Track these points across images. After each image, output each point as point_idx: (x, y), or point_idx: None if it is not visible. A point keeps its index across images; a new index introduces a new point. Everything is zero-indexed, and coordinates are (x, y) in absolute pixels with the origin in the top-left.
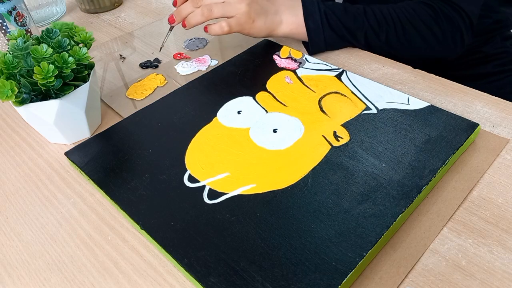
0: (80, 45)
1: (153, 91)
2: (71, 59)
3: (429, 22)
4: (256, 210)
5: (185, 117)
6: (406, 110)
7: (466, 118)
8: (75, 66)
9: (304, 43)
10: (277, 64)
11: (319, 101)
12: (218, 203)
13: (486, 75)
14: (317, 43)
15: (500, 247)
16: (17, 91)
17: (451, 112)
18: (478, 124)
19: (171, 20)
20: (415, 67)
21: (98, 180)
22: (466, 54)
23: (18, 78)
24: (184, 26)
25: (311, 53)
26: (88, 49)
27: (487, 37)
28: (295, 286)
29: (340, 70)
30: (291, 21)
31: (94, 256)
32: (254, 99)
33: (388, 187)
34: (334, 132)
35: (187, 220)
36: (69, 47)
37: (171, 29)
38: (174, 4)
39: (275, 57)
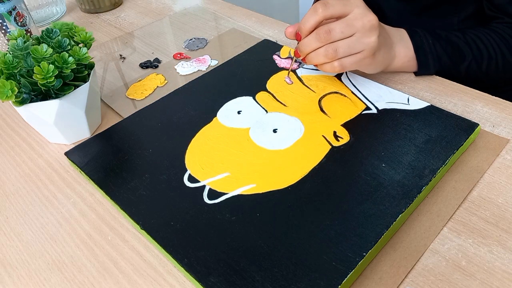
0: (80, 45)
1: (153, 91)
2: (71, 59)
3: None
4: (256, 210)
5: (185, 117)
6: (406, 110)
7: (466, 118)
8: (75, 66)
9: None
10: (277, 64)
11: (319, 101)
12: (218, 203)
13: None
14: (425, 73)
15: (500, 247)
16: (17, 91)
17: (451, 112)
18: (478, 124)
19: (296, 54)
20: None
21: (98, 180)
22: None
23: (18, 78)
24: (303, 61)
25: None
26: (88, 49)
27: None
28: (295, 286)
29: None
30: (403, 54)
31: (94, 256)
32: (254, 99)
33: (388, 187)
34: (334, 132)
35: (187, 220)
36: (69, 47)
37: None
38: (298, 38)
39: (275, 57)
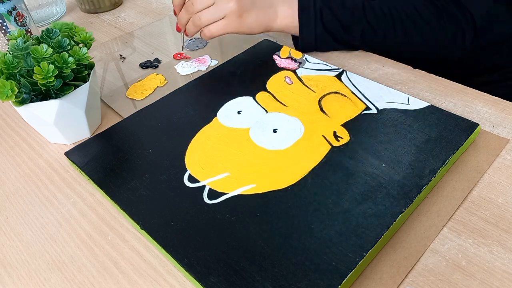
0: (80, 45)
1: (153, 91)
2: (71, 59)
3: (428, 19)
4: (256, 210)
5: (185, 117)
6: (406, 110)
7: (466, 118)
8: (75, 66)
9: (294, 39)
10: (277, 64)
11: (319, 101)
12: (218, 203)
13: (491, 82)
14: (307, 39)
15: (500, 247)
16: (17, 91)
17: (451, 112)
18: (478, 124)
19: (178, 29)
20: (415, 68)
21: (98, 180)
22: (472, 64)
23: (18, 78)
24: (186, 34)
25: (300, 49)
26: (88, 49)
27: (496, 49)
28: (295, 286)
29: (340, 70)
30: (286, 13)
31: (94, 256)
32: (254, 99)
33: (388, 187)
34: (334, 132)
35: (187, 220)
36: (69, 47)
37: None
38: (175, 13)
39: (275, 57)
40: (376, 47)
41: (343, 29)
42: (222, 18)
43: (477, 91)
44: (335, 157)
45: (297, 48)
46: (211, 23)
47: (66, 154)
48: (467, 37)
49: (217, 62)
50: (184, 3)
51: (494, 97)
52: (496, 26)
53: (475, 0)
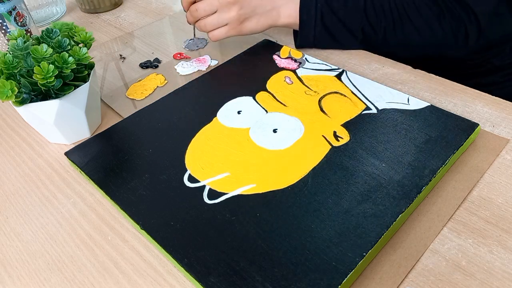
0: (80, 45)
1: (153, 91)
2: (71, 59)
3: (430, 18)
4: (256, 210)
5: (185, 117)
6: (406, 110)
7: (466, 118)
8: (75, 66)
9: (294, 34)
10: (277, 64)
11: (319, 101)
12: (218, 203)
13: (492, 83)
14: (306, 37)
15: (500, 247)
16: (17, 91)
17: (451, 112)
18: (478, 124)
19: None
20: (415, 68)
21: (98, 180)
22: (474, 66)
23: (18, 78)
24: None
25: (297, 46)
26: (88, 49)
27: (497, 50)
28: (295, 286)
29: (340, 70)
30: (288, 13)
31: (94, 256)
32: (254, 99)
33: (388, 187)
34: (334, 132)
35: (187, 220)
36: (69, 47)
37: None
38: (185, 9)
39: (275, 57)
40: (377, 47)
41: (343, 29)
42: (225, 25)
43: (477, 91)
44: (335, 157)
45: (296, 45)
46: (215, 29)
47: (66, 154)
48: (470, 37)
49: (217, 62)
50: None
51: (494, 97)
52: (499, 27)
53: None
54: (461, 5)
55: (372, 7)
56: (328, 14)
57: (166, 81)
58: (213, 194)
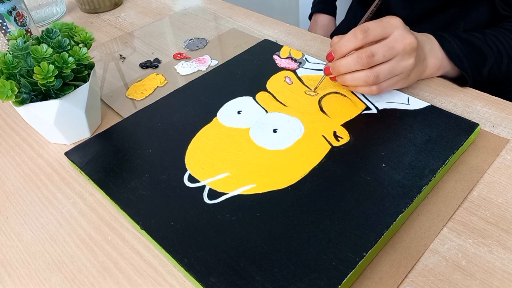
0: (80, 45)
1: (153, 91)
2: (71, 59)
3: None
4: (256, 210)
5: (185, 117)
6: (406, 110)
7: (466, 118)
8: (75, 66)
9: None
10: (277, 64)
11: (319, 101)
12: (218, 203)
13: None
14: (467, 80)
15: (500, 247)
16: (17, 91)
17: (451, 112)
18: (478, 124)
19: (326, 71)
20: None
21: (98, 180)
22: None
23: (18, 78)
24: (333, 79)
25: (472, 83)
26: (88, 49)
27: None
28: (295, 286)
29: None
30: (433, 64)
31: (94, 256)
32: (254, 99)
33: (388, 187)
34: (334, 132)
35: (187, 220)
36: (69, 47)
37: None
38: (329, 59)
39: (275, 57)
40: (495, 82)
41: (476, 70)
42: (397, 75)
43: (477, 91)
44: (335, 157)
45: (470, 84)
46: (384, 80)
47: (66, 154)
48: None
49: (217, 62)
50: (356, 48)
51: (494, 97)
52: None
53: None
54: None
55: (494, 43)
56: (469, 47)
57: (166, 81)
58: (213, 194)
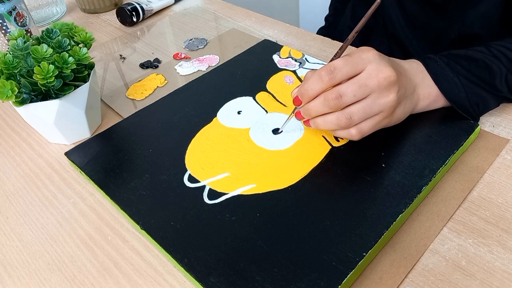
0: (80, 45)
1: (153, 91)
2: (71, 59)
3: None
4: (256, 210)
5: (185, 117)
6: None
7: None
8: (75, 66)
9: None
10: (277, 64)
11: None
12: (218, 203)
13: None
14: (461, 103)
15: (500, 247)
16: (17, 91)
17: (451, 112)
18: (478, 124)
19: (298, 116)
20: None
21: (98, 180)
22: None
23: (18, 78)
24: (306, 124)
25: (475, 117)
26: (88, 49)
27: None
28: (295, 286)
29: None
30: (427, 93)
31: (94, 256)
32: (254, 99)
33: (388, 187)
34: None
35: (187, 220)
36: (69, 47)
37: (293, 111)
38: (297, 103)
39: (275, 57)
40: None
41: (486, 84)
42: (376, 114)
43: None
44: (335, 157)
45: (477, 119)
46: (361, 121)
47: (66, 154)
48: None
49: (217, 62)
50: (322, 91)
51: None
52: None
53: None
54: None
55: (500, 52)
56: (464, 73)
57: (166, 81)
58: (213, 194)
